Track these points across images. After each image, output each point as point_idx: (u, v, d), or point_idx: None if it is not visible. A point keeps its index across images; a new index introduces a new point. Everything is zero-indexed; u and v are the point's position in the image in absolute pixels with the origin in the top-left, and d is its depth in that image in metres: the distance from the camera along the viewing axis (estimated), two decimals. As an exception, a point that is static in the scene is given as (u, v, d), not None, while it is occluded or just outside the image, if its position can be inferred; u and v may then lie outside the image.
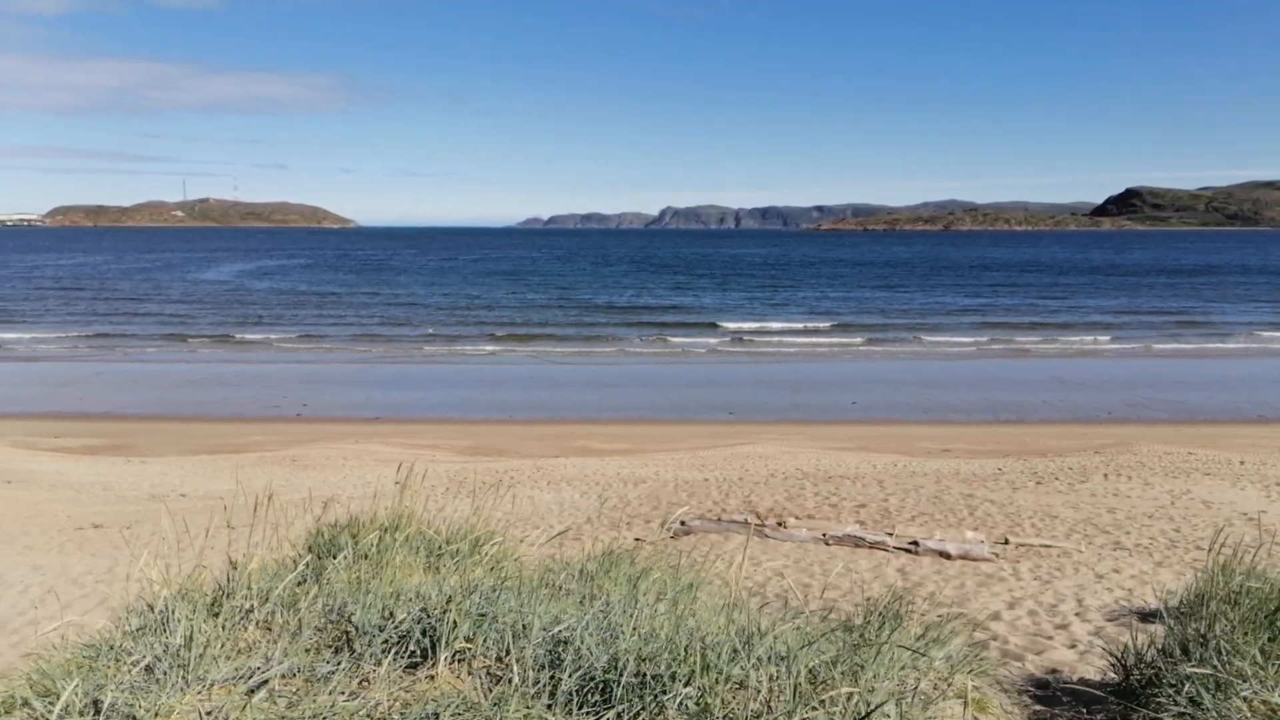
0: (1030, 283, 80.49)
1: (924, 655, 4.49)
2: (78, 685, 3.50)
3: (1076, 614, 7.98)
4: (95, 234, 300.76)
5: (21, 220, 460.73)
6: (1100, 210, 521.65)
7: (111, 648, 4.23)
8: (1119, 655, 5.20)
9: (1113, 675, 5.29)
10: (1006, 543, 10.75)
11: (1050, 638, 7.24)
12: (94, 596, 8.55)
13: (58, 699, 3.63)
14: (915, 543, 10.34)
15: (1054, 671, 6.27)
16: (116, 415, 24.20)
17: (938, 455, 18.52)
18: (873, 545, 10.45)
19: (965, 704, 4.40)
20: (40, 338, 42.46)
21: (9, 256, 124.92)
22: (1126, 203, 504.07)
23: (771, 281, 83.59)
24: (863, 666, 4.07)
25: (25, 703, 3.82)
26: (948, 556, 10.00)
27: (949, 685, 4.49)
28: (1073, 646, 6.97)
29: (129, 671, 3.83)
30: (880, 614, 5.02)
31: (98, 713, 3.55)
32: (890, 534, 10.75)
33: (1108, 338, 43.39)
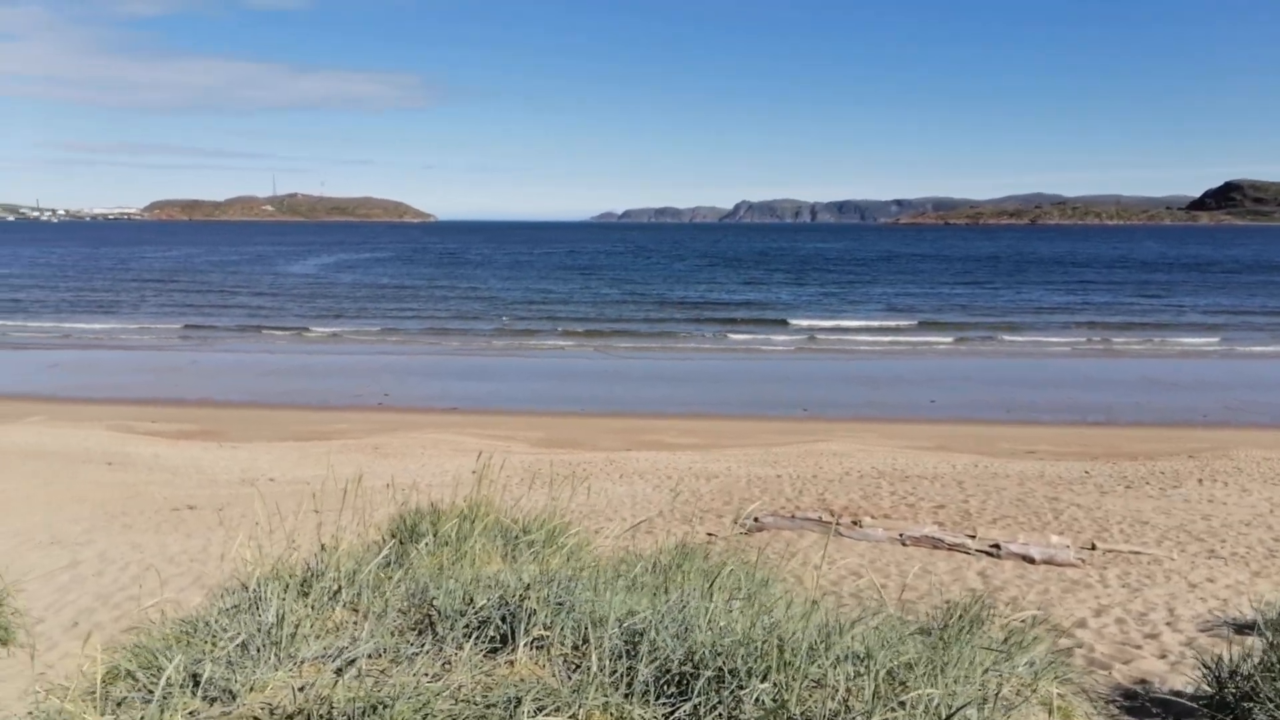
0: (1122, 279, 77.47)
1: (1007, 659, 4.39)
2: (181, 661, 3.67)
3: (1167, 623, 7.69)
4: (190, 227, 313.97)
5: (122, 214, 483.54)
6: (1198, 204, 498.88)
7: (208, 624, 4.42)
8: (1213, 667, 4.99)
9: (1206, 688, 5.09)
10: (1094, 548, 10.40)
11: (1139, 647, 7.00)
12: (189, 574, 8.95)
13: (160, 672, 3.81)
14: (997, 546, 10.09)
15: (1143, 682, 6.06)
16: (209, 402, 25.24)
17: (1021, 456, 18.01)
18: (952, 547, 10.23)
19: (1050, 711, 4.28)
20: (139, 327, 44.53)
21: (114, 249, 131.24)
22: (1226, 196, 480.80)
23: (849, 277, 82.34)
24: (943, 669, 4.00)
25: (130, 674, 4.03)
26: (1031, 561, 9.73)
27: (1032, 691, 4.37)
28: (1163, 657, 6.72)
29: (225, 647, 4.00)
30: (961, 617, 4.92)
31: (197, 685, 3.71)
32: (971, 536, 10.51)
33: (1205, 337, 41.47)
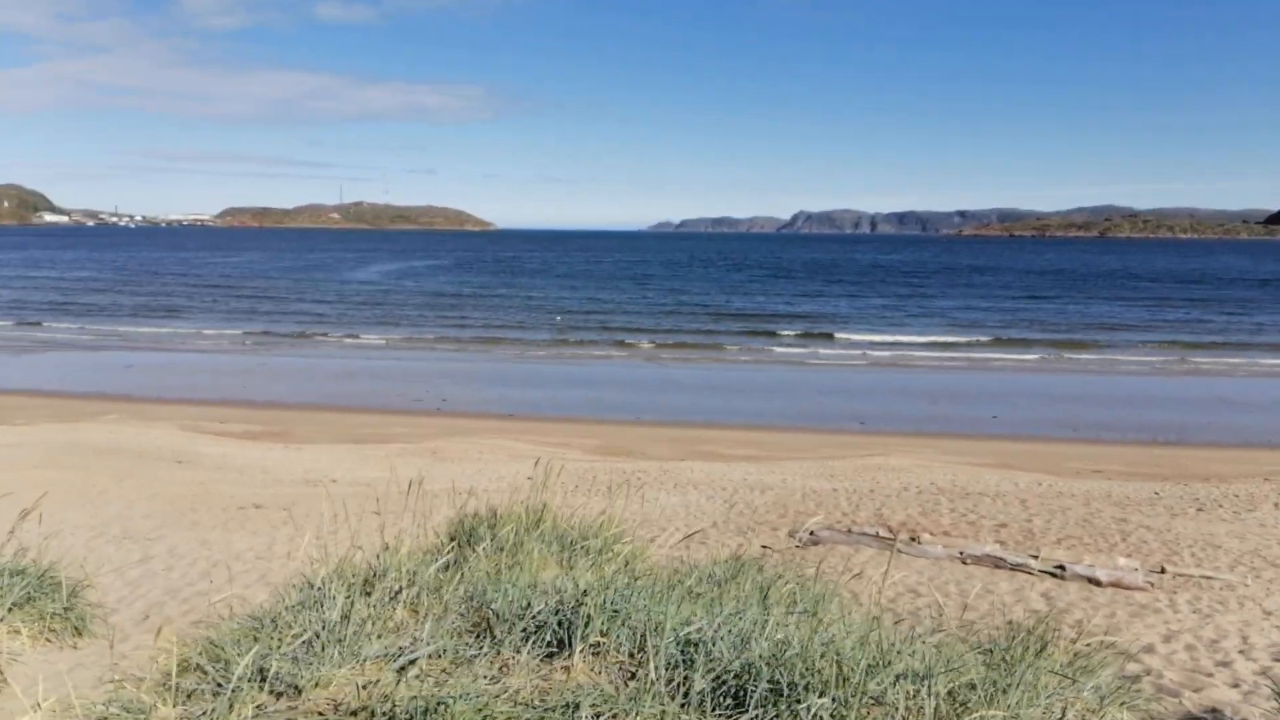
0: (1196, 295, 74.95)
1: (1072, 684, 4.28)
2: (248, 655, 3.78)
3: (1240, 651, 7.41)
4: (260, 234, 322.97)
5: (196, 220, 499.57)
6: (1276, 218, 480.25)
7: (274, 621, 4.54)
8: (1292, 699, 4.80)
9: (1284, 721, 4.89)
10: (1163, 571, 10.07)
11: (1210, 675, 6.75)
12: (255, 571, 9.19)
13: (229, 666, 3.93)
14: (1062, 566, 9.83)
15: (1214, 711, 5.85)
16: (275, 404, 25.90)
17: (1087, 476, 17.52)
18: (1014, 567, 10.00)
19: (1118, 738, 4.16)
20: (210, 332, 45.95)
21: (188, 254, 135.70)
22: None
23: (911, 290, 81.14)
24: (1005, 691, 3.92)
25: (199, 667, 4.16)
26: (1097, 583, 9.46)
27: (1099, 717, 4.26)
28: (1236, 685, 6.47)
29: (291, 643, 4.11)
30: (1024, 638, 4.81)
31: (264, 680, 3.82)
32: (1034, 556, 10.26)
33: (1277, 355, 39.89)
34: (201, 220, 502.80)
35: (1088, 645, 5.01)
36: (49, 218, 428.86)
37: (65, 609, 5.68)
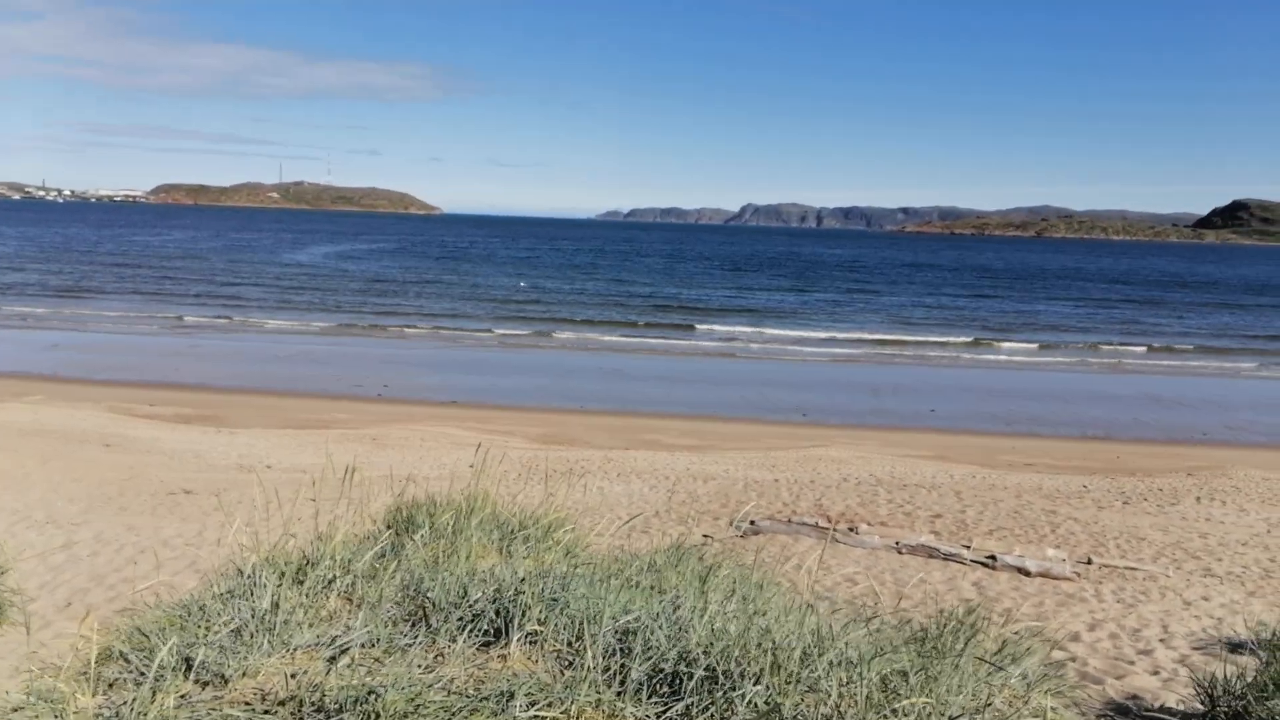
0: (1127, 295, 77.44)
1: (1000, 671, 4.38)
2: (174, 644, 3.67)
3: (1161, 640, 7.68)
4: (195, 212, 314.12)
5: (128, 196, 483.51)
6: (1204, 222, 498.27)
7: (202, 609, 4.42)
8: (1206, 685, 4.99)
9: (1198, 705, 5.08)
10: (1089, 563, 10.39)
11: (1132, 662, 6.99)
12: (184, 558, 8.95)
13: (153, 654, 3.81)
14: (993, 557, 10.08)
15: (1134, 697, 6.05)
16: (208, 387, 25.25)
17: (1020, 469, 18.00)
18: (948, 557, 10.22)
19: (1043, 724, 4.27)
20: (139, 312, 44.54)
21: (119, 231, 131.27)
22: (1233, 215, 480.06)
23: (855, 284, 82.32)
24: (936, 678, 3.99)
25: (122, 656, 4.02)
26: (1027, 573, 9.72)
27: (1025, 703, 4.36)
28: (1156, 673, 6.71)
29: (218, 632, 4.00)
30: (955, 626, 4.91)
31: (189, 669, 3.71)
32: (967, 546, 10.50)
33: (1206, 357, 41.45)
34: (134, 197, 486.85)
35: (1016, 633, 5.14)
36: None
37: (-20, 596, 5.46)
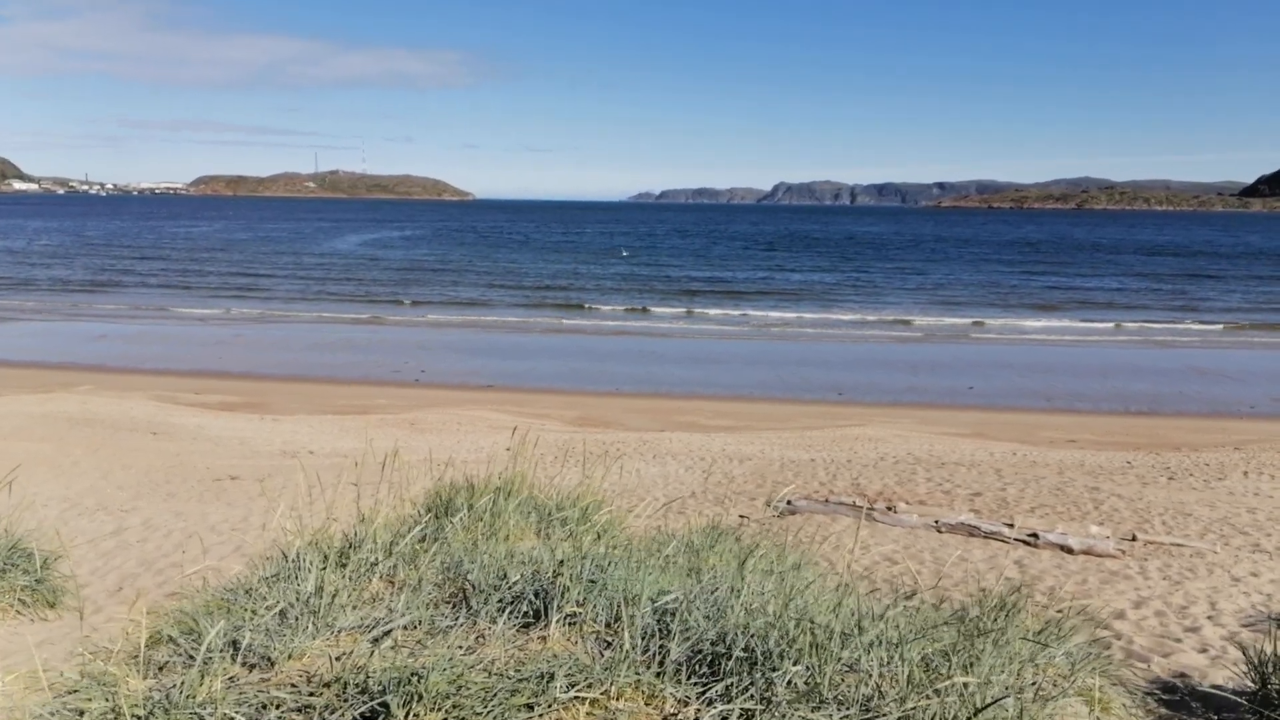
0: (1170, 267, 75.70)
1: (1044, 650, 4.33)
2: (222, 628, 3.74)
3: (1209, 617, 7.54)
4: (234, 203, 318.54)
5: (169, 189, 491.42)
6: (1250, 190, 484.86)
7: (248, 592, 4.51)
8: (1256, 662, 4.89)
9: (1248, 683, 4.98)
10: (1134, 539, 10.23)
11: (1179, 640, 6.88)
12: (230, 543, 9.13)
13: (201, 638, 3.89)
14: (1035, 535, 9.96)
15: (1182, 675, 5.95)
16: (252, 375, 25.67)
17: (1061, 445, 17.73)
18: (988, 535, 10.12)
19: (1089, 703, 4.22)
20: (183, 302, 45.36)
21: (158, 223, 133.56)
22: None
23: (889, 261, 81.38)
24: (978, 658, 3.96)
25: (171, 639, 4.12)
26: (1070, 551, 9.59)
27: (1070, 683, 4.31)
28: (1204, 651, 6.60)
29: (264, 615, 4.08)
30: (997, 605, 4.86)
31: (236, 652, 3.79)
32: (1008, 525, 10.38)
33: (1252, 330, 40.44)
34: (174, 189, 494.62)
35: (1059, 612, 5.08)
36: (18, 185, 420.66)
37: (37, 581, 5.61)
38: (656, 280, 59.30)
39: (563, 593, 4.21)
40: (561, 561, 4.53)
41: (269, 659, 3.70)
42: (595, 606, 4.21)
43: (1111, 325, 40.79)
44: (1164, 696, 5.30)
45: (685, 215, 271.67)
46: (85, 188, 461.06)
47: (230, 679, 3.57)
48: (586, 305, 45.51)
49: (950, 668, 3.81)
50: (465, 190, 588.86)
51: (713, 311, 44.13)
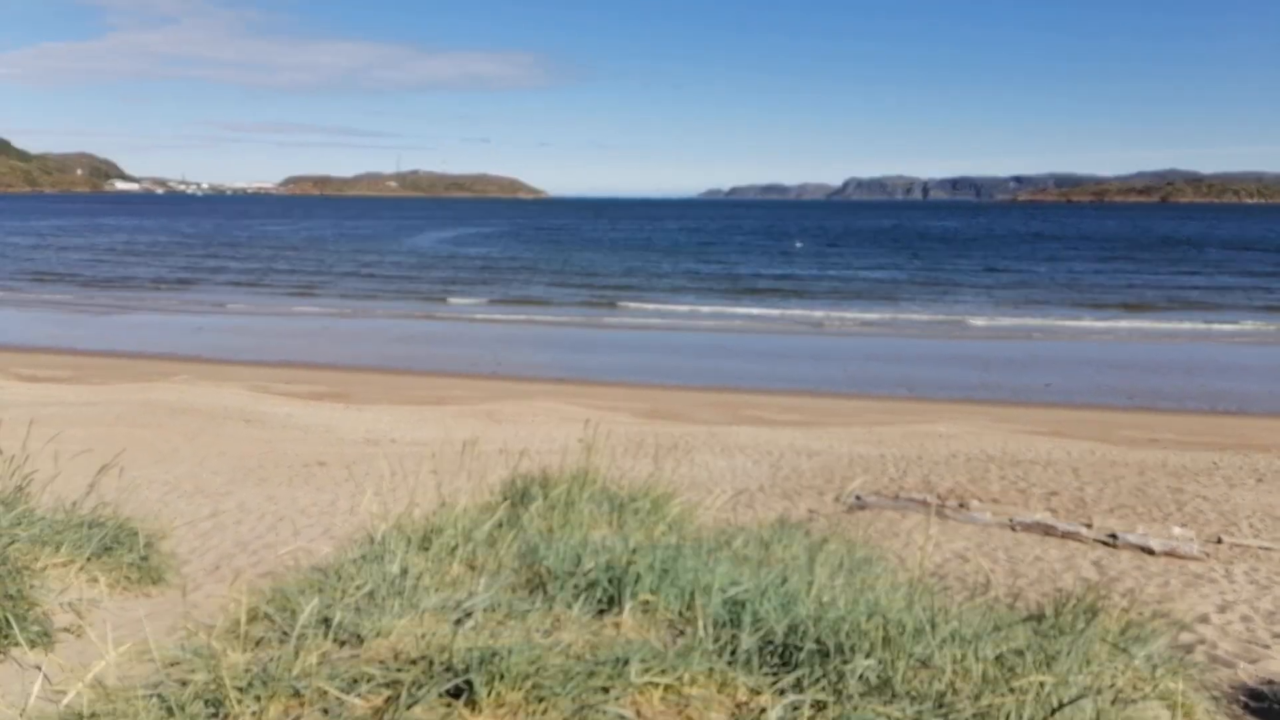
0: (1259, 262, 72.22)
1: (1123, 652, 4.28)
2: (315, 606, 3.96)
3: (1300, 624, 7.28)
4: (321, 202, 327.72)
5: (260, 189, 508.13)
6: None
7: (338, 573, 4.73)
8: (1351, 672, 4.73)
9: (1342, 693, 4.83)
10: (1219, 542, 9.90)
11: (1267, 646, 6.67)
12: (319, 526, 9.50)
13: (295, 615, 4.11)
14: (1114, 535, 9.72)
15: (1270, 682, 5.78)
16: (338, 366, 26.49)
17: (1142, 445, 17.18)
18: (1065, 535, 9.91)
19: (1171, 707, 4.15)
20: (271, 295, 46.98)
21: (251, 222, 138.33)
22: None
23: (962, 256, 79.58)
24: (1055, 658, 3.93)
25: (267, 616, 4.36)
26: (1150, 552, 9.34)
27: (1151, 686, 4.25)
28: (1294, 659, 6.38)
29: (354, 595, 4.29)
30: (1074, 605, 4.80)
31: (328, 629, 4.00)
32: (1086, 525, 10.15)
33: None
34: (265, 189, 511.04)
35: (1140, 614, 4.99)
36: (120, 185, 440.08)
37: (141, 559, 5.95)
38: (723, 277, 59.11)
39: (636, 581, 4.32)
40: (634, 550, 4.64)
41: (359, 636, 3.89)
42: (667, 595, 4.31)
43: (1196, 321, 39.21)
44: (1250, 703, 5.17)
45: (755, 211, 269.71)
46: (183, 187, 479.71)
47: (323, 654, 3.77)
48: (655, 301, 45.63)
49: (1025, 667, 3.80)
50: (539, 188, 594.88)
51: (778, 308, 43.81)
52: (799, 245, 56.63)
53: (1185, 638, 6.53)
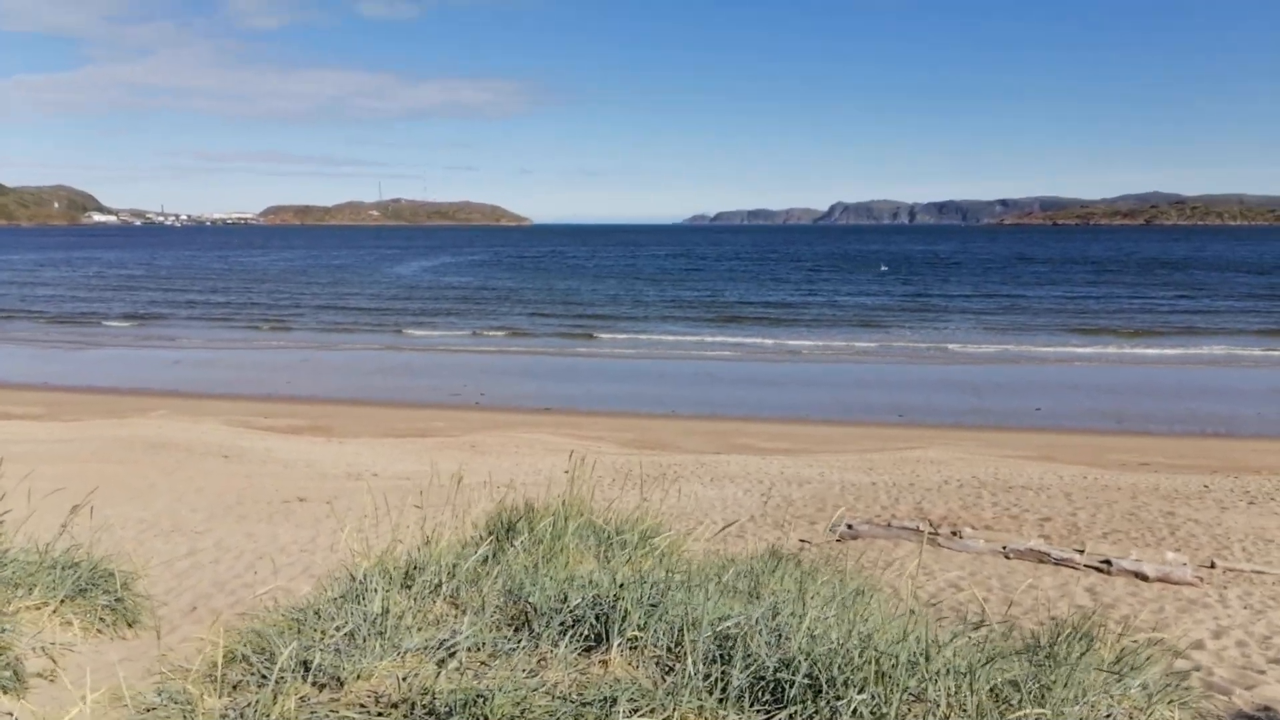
0: (1244, 284, 73.02)
1: (1119, 680, 4.20)
2: (294, 648, 3.84)
3: (1296, 649, 7.22)
4: (302, 232, 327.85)
5: (240, 219, 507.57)
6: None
7: (317, 613, 4.61)
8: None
9: (1342, 721, 4.76)
10: (1213, 566, 9.85)
11: (1263, 672, 6.60)
12: (299, 564, 9.34)
13: (273, 657, 4.00)
14: (1108, 561, 9.65)
15: (1266, 709, 5.71)
16: (318, 399, 26.30)
17: (1134, 469, 17.19)
18: (1059, 562, 9.84)
19: (1167, 737, 4.07)
20: (248, 329, 46.75)
21: (230, 253, 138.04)
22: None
23: (950, 280, 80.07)
24: (1050, 688, 3.86)
25: (245, 658, 4.23)
26: (1144, 578, 9.28)
27: (1146, 715, 4.17)
28: (1291, 685, 6.31)
29: (333, 636, 4.17)
30: (1069, 634, 4.72)
31: (307, 672, 3.88)
32: (1080, 550, 10.09)
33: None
34: (245, 219, 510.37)
35: (1135, 641, 4.92)
36: (98, 217, 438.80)
37: (116, 601, 5.81)
38: (710, 304, 59.25)
39: (623, 616, 4.22)
40: (622, 585, 4.54)
41: (338, 679, 3.78)
42: (656, 631, 4.21)
43: (1182, 344, 39.48)
44: (1249, 732, 5.08)
45: (740, 237, 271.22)
46: (161, 219, 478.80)
47: (302, 699, 3.66)
48: (639, 330, 45.65)
49: (1021, 698, 3.72)
50: (522, 215, 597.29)
51: (766, 334, 43.89)
52: (885, 269, 59.52)
53: (1181, 665, 6.45)
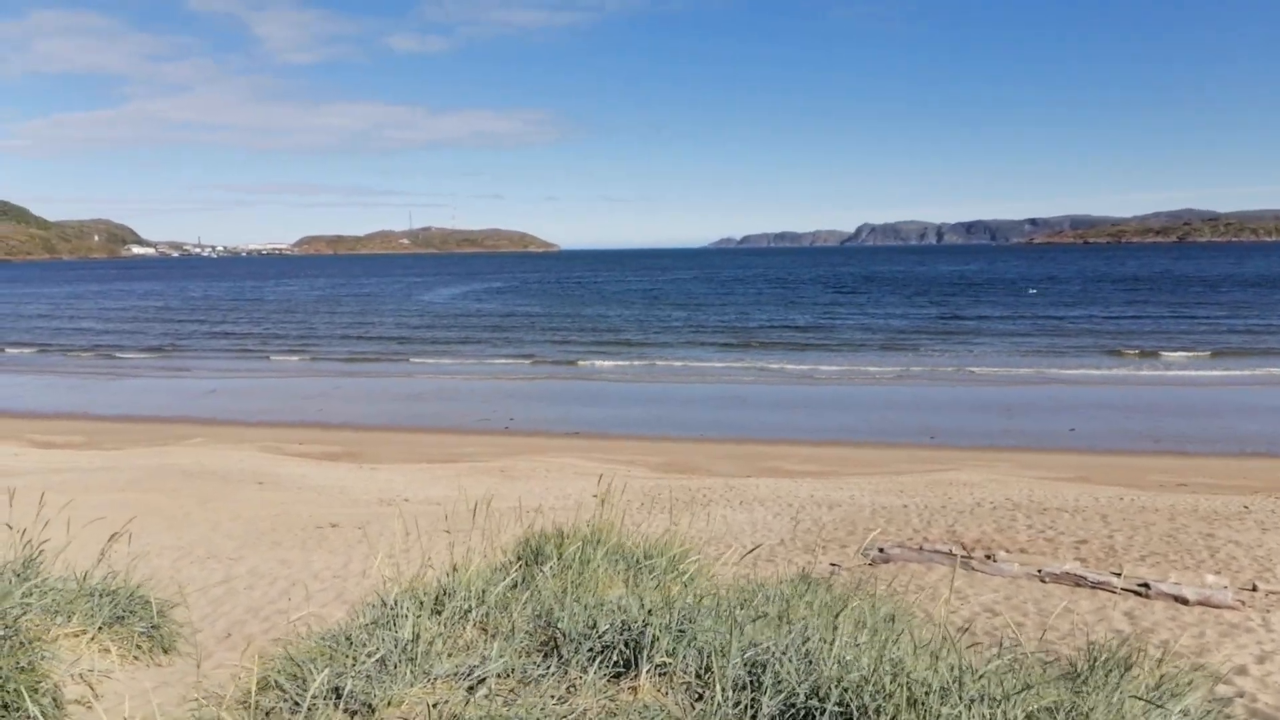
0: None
1: (1159, 708, 4.11)
2: (326, 675, 3.88)
3: (1345, 676, 7.01)
4: (335, 261, 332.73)
5: (274, 249, 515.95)
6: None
7: (349, 639, 4.65)
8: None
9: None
10: (1255, 589, 9.62)
11: (1312, 700, 6.41)
12: (332, 590, 9.41)
13: (306, 684, 4.03)
14: (1146, 585, 9.46)
15: (1317, 739, 5.55)
16: (350, 425, 26.55)
17: (1172, 489, 16.85)
18: (1096, 585, 9.66)
19: (1209, 766, 3.98)
20: (284, 356, 47.39)
21: (264, 283, 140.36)
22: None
23: (979, 300, 79.37)
24: (1087, 715, 3.79)
25: (278, 685, 4.27)
26: (1184, 602, 9.08)
27: (1188, 744, 4.08)
28: (1341, 713, 6.13)
29: (365, 662, 4.20)
30: (1107, 660, 4.64)
31: (339, 698, 3.91)
32: (1117, 574, 9.90)
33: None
34: (279, 249, 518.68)
35: (1175, 667, 4.82)
36: (136, 250, 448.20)
37: (153, 628, 5.89)
38: (737, 328, 59.18)
39: (652, 643, 4.21)
40: (650, 611, 4.54)
41: (370, 705, 3.80)
42: (685, 657, 4.20)
43: (1220, 362, 38.76)
44: (1296, 761, 4.95)
45: (767, 260, 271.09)
46: (198, 250, 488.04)
47: (333, 725, 3.69)
48: (669, 355, 45.68)
49: (1057, 726, 3.66)
50: (550, 241, 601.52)
51: (794, 357, 43.73)
52: (1033, 291, 61.79)
53: (1223, 691, 6.30)
